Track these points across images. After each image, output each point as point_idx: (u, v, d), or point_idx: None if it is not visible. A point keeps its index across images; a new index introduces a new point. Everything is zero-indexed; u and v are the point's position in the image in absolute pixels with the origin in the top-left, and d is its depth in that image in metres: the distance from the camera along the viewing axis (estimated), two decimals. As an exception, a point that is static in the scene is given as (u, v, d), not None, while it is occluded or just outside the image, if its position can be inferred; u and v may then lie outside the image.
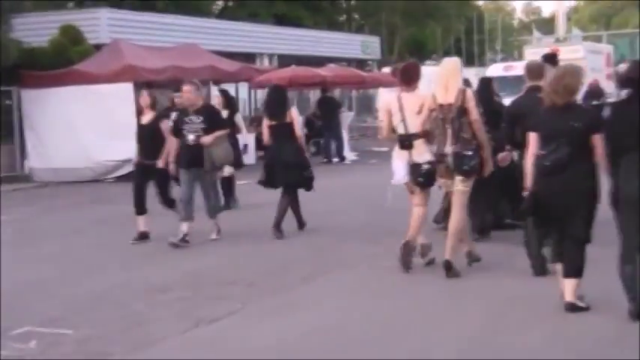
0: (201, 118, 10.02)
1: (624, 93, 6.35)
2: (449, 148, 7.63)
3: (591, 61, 30.66)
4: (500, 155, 8.48)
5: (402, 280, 7.71)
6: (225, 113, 12.12)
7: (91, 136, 18.59)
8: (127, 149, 13.96)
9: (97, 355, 5.89)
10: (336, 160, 22.37)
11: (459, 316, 6.45)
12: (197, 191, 10.19)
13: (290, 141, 10.29)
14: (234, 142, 11.88)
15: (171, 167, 10.13)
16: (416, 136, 7.91)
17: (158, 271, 8.66)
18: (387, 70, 31.43)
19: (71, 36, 21.48)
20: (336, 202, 11.40)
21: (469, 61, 48.61)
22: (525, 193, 6.43)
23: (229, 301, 7.21)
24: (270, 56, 33.67)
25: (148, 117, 10.49)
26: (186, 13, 30.78)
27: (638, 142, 5.87)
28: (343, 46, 38.77)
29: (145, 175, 10.37)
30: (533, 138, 6.40)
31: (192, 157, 9.95)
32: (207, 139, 9.96)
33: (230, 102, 13.32)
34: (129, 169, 15.55)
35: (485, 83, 9.86)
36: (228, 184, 12.80)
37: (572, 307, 6.28)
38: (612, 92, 20.85)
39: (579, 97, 6.54)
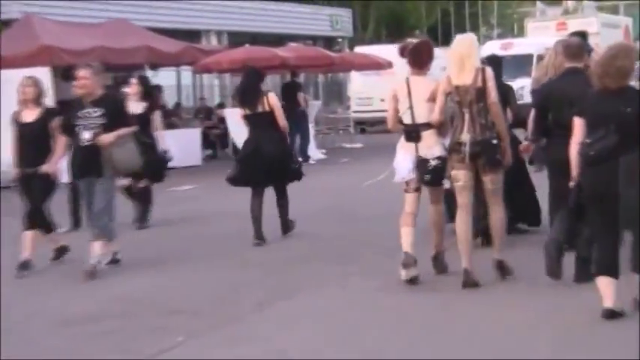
0: (99, 111, 9.40)
1: None
2: (466, 136, 7.77)
3: (607, 37, 30.99)
4: (523, 145, 8.79)
5: (382, 304, 7.70)
6: (139, 107, 12.03)
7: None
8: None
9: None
10: (299, 159, 22.25)
11: None
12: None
13: (270, 131, 10.64)
14: (151, 144, 11.71)
15: (58, 175, 9.80)
16: (425, 126, 8.08)
17: (79, 298, 8.57)
18: (360, 49, 31.56)
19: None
20: (300, 210, 11.35)
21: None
22: (571, 184, 6.80)
23: (169, 333, 7.15)
24: (219, 34, 33.66)
25: (33, 113, 9.89)
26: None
27: None
28: (308, 22, 38.93)
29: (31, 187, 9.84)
30: (578, 124, 6.76)
31: (87, 162, 9.41)
32: (105, 138, 9.37)
33: (149, 92, 13.03)
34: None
35: (496, 62, 9.87)
36: (145, 197, 12.45)
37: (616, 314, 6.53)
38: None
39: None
